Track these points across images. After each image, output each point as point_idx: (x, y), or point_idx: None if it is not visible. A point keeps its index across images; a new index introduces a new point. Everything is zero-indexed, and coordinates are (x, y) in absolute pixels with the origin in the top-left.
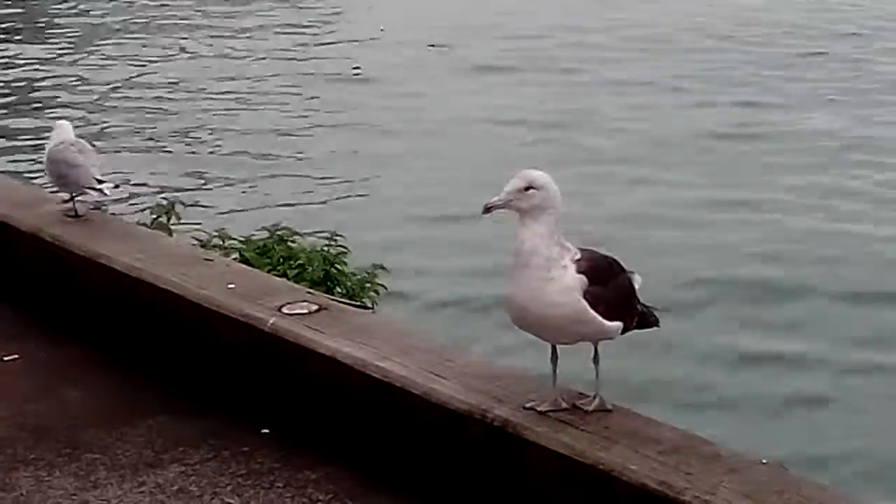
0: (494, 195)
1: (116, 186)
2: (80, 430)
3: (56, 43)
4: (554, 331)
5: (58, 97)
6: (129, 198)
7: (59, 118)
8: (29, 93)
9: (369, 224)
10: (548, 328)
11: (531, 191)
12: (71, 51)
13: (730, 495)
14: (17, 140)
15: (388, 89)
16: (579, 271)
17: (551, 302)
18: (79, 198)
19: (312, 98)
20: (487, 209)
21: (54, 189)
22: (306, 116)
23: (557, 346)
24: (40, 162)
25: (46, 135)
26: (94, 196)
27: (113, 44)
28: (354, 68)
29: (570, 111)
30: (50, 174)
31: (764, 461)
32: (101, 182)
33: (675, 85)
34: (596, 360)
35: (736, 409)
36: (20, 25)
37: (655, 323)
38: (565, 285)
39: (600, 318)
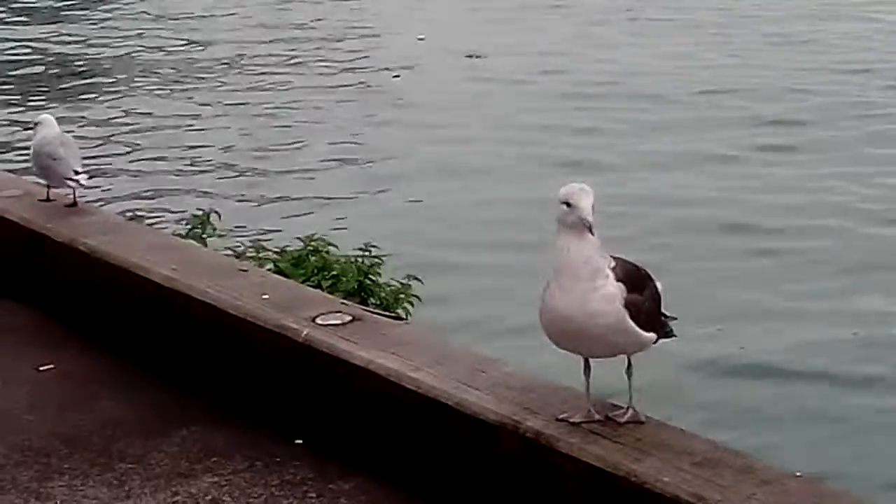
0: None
1: (91, 177)
2: (114, 440)
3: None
4: (594, 340)
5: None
6: (152, 206)
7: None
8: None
9: (406, 237)
10: (589, 337)
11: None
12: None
13: None
14: None
15: (425, 103)
16: (617, 279)
17: (595, 311)
18: (56, 189)
19: (349, 109)
20: (590, 229)
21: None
22: (343, 128)
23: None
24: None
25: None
26: (72, 186)
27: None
28: (395, 76)
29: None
30: (34, 166)
31: (798, 474)
32: (77, 173)
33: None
34: (629, 371)
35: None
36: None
37: (672, 333)
38: (609, 294)
39: (638, 329)
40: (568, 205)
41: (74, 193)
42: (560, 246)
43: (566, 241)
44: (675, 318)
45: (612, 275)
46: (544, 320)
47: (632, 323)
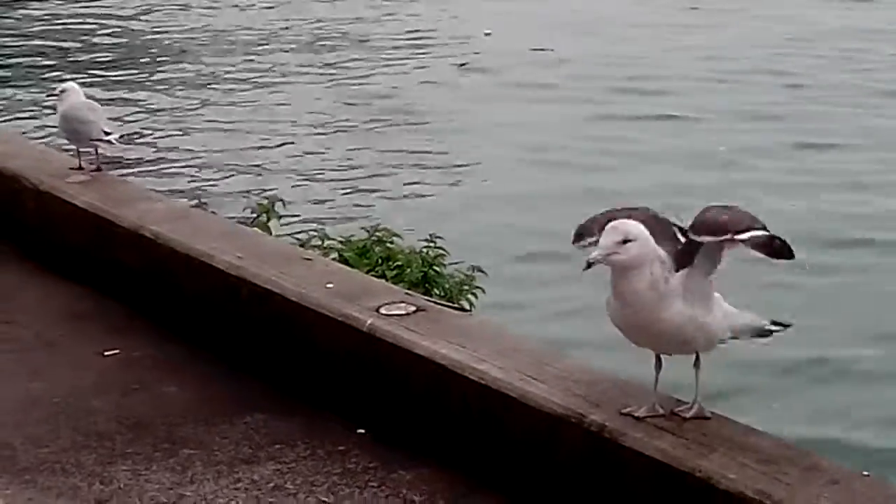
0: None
1: (121, 137)
2: (177, 426)
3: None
4: (666, 344)
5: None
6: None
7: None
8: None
9: (469, 231)
10: (661, 342)
11: (628, 243)
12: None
13: None
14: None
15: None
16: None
17: (661, 318)
18: (85, 149)
19: (416, 99)
20: (589, 265)
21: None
22: (407, 118)
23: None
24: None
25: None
26: (103, 146)
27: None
28: (461, 64)
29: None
30: (63, 130)
31: (866, 473)
32: (107, 134)
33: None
34: (697, 365)
35: None
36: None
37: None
38: (673, 298)
39: (710, 323)
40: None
41: (98, 158)
42: (614, 276)
43: (617, 280)
44: (790, 325)
45: (672, 277)
46: (613, 321)
47: (700, 321)
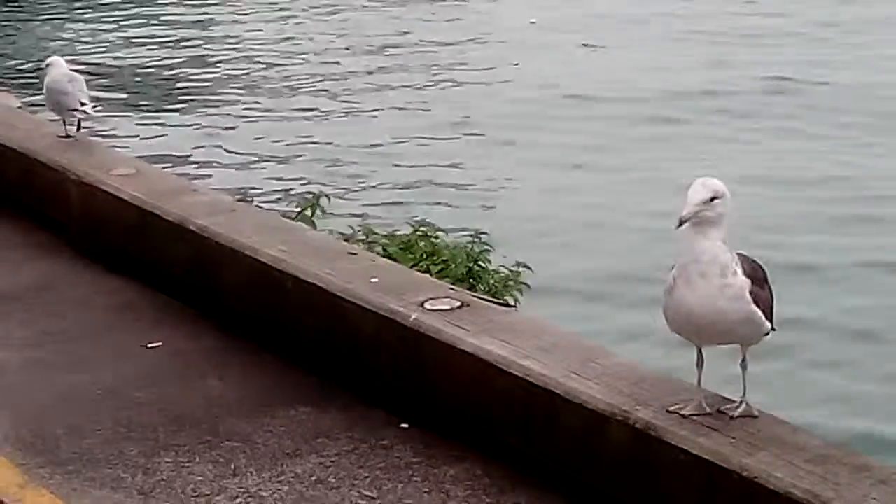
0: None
1: (95, 107)
2: (220, 419)
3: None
4: (723, 334)
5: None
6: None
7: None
8: (177, 81)
9: (513, 227)
10: (719, 332)
11: (716, 200)
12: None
13: None
14: (166, 126)
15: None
16: (745, 273)
17: (725, 308)
18: (69, 120)
19: (458, 94)
20: (682, 222)
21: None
22: (458, 123)
23: (703, 350)
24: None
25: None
26: (78, 115)
27: (256, 32)
28: (514, 64)
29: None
30: (48, 102)
31: None
32: (83, 104)
33: None
34: (744, 364)
35: None
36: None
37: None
38: (738, 291)
39: (765, 321)
40: None
41: (79, 124)
42: (686, 241)
43: (692, 236)
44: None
45: (739, 270)
46: (671, 314)
47: (760, 314)
